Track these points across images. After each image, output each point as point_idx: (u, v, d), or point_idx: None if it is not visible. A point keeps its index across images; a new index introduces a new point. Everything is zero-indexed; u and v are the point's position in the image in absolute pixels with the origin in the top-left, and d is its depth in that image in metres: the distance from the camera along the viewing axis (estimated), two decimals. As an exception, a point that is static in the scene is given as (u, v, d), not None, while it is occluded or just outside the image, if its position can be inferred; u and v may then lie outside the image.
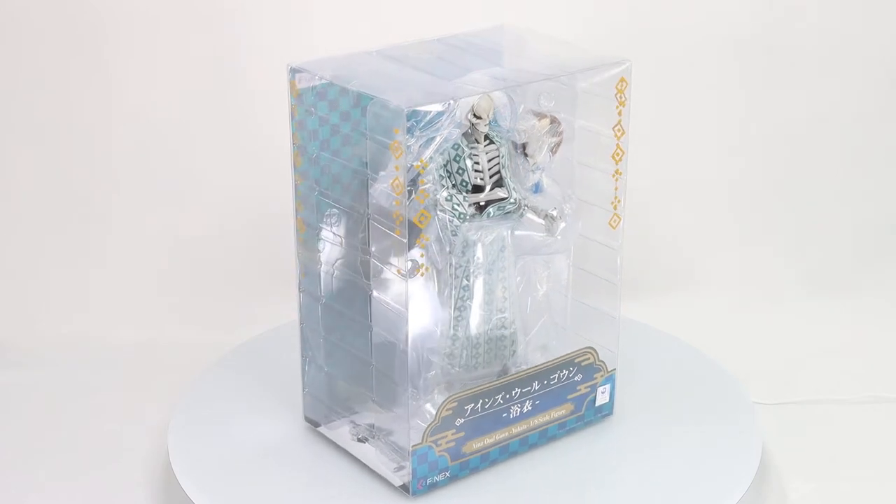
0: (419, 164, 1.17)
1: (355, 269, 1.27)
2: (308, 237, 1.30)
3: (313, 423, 1.35)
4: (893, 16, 1.77)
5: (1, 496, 1.35)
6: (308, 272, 1.31)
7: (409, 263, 1.18)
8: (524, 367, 1.30)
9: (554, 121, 1.25)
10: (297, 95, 1.24)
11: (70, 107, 1.76)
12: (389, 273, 1.21)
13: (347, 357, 1.31)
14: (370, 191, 1.20)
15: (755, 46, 1.77)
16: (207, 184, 1.79)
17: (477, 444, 1.27)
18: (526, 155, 1.24)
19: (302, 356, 1.34)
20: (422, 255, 1.21)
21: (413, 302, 1.20)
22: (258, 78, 1.75)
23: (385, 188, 1.18)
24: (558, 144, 1.26)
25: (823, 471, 1.39)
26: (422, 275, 1.21)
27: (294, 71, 1.24)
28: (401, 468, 1.25)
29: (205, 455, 1.32)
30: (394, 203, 1.17)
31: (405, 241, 1.17)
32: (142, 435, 1.45)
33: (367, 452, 1.29)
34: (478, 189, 1.22)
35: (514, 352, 1.30)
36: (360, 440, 1.30)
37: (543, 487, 1.27)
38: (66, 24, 1.73)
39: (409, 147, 1.14)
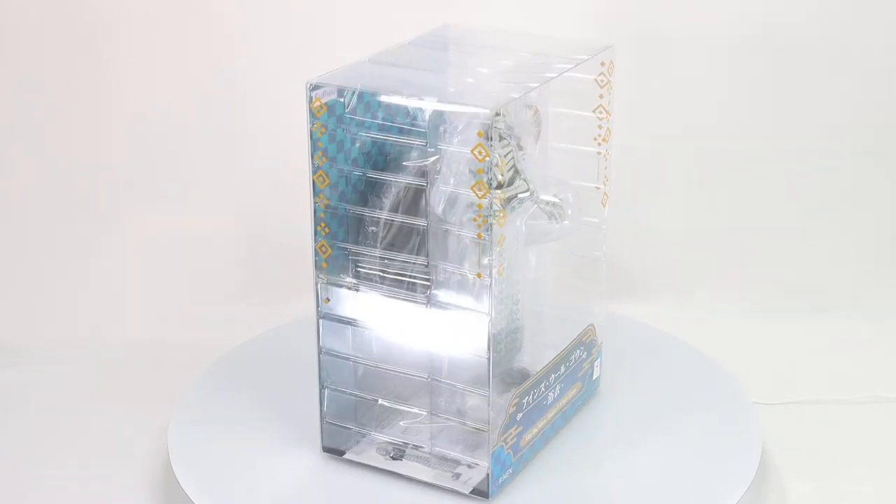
0: (499, 166, 1.15)
1: (399, 283, 1.22)
2: (332, 259, 1.23)
3: (336, 453, 1.29)
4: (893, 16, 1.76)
5: (1, 496, 1.35)
6: (333, 296, 1.24)
7: (493, 266, 1.16)
8: (525, 358, 1.31)
9: (536, 111, 1.25)
10: (323, 112, 1.15)
11: (71, 108, 1.76)
12: (451, 280, 1.19)
13: (387, 375, 1.26)
14: (430, 199, 1.18)
15: (757, 43, 1.77)
16: (207, 184, 1.78)
17: (528, 436, 1.27)
18: (520, 147, 1.24)
19: (320, 385, 1.27)
20: (501, 256, 1.19)
21: (491, 305, 1.17)
22: (258, 79, 1.75)
23: (442, 194, 1.16)
24: (538, 133, 1.26)
25: (823, 471, 1.39)
26: (501, 275, 1.20)
27: (314, 87, 1.15)
28: (457, 475, 1.24)
29: (205, 455, 1.32)
30: (475, 207, 1.13)
31: (489, 244, 1.14)
32: (142, 435, 1.45)
33: (412, 467, 1.26)
34: (498, 185, 1.21)
35: (522, 343, 1.31)
36: (394, 458, 1.27)
37: (555, 479, 1.28)
38: (66, 24, 1.73)
39: (493, 150, 1.11)
